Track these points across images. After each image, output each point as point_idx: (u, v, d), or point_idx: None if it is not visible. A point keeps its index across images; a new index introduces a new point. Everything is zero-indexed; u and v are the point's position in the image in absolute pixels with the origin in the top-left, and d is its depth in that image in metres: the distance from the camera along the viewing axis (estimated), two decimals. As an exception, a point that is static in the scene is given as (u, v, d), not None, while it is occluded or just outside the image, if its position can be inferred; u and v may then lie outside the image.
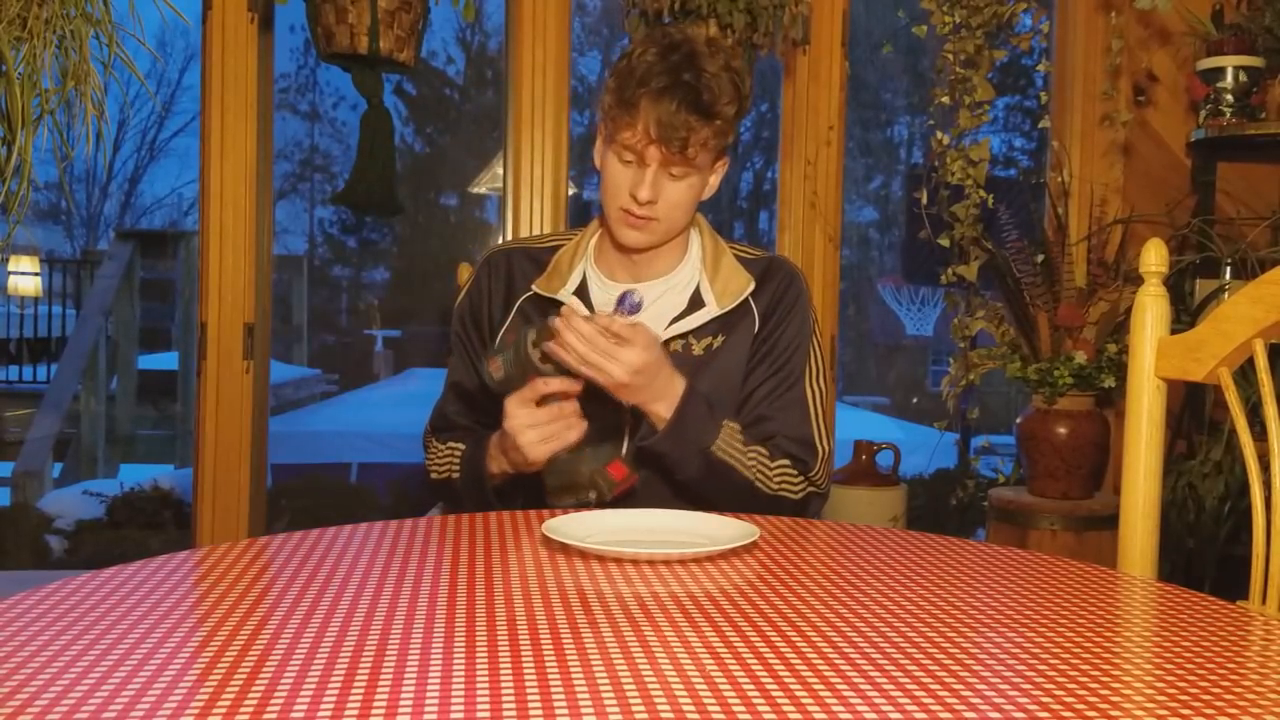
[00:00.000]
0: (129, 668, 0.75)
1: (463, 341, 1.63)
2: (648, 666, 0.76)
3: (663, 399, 1.42)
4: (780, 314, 1.56)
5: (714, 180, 1.55)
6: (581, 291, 1.55)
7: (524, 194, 2.53)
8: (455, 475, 1.55)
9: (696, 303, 1.54)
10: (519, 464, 1.41)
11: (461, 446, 1.55)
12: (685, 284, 1.56)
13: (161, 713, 0.67)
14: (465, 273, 1.96)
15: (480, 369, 1.44)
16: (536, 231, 2.53)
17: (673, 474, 1.46)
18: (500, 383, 1.38)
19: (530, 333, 1.36)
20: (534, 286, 1.56)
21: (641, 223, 1.49)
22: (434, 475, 1.61)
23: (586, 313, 1.42)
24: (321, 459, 6.29)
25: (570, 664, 0.76)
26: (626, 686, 0.72)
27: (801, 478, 1.53)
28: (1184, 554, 2.48)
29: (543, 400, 1.37)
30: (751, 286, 1.55)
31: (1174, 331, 1.31)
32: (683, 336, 1.52)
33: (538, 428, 1.36)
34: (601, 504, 1.42)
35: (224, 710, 0.67)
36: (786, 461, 1.52)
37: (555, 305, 1.53)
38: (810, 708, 0.69)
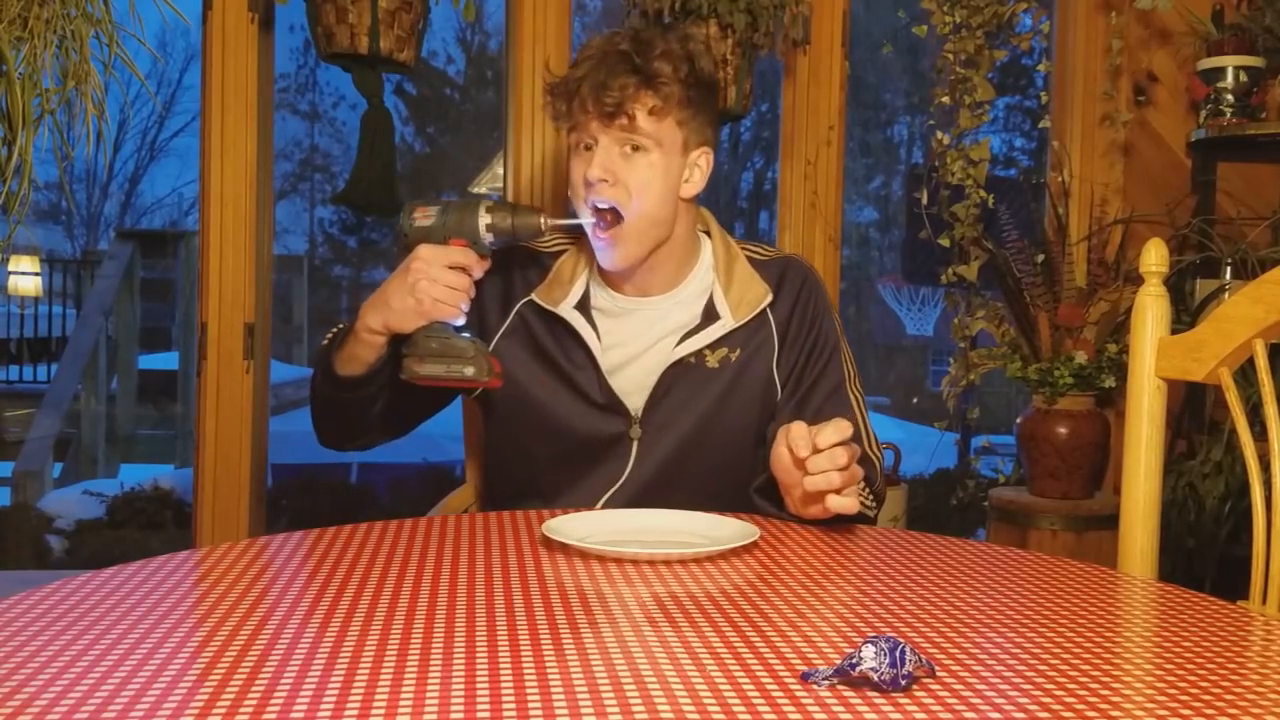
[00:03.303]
0: (129, 668, 0.75)
1: None
2: (648, 666, 0.76)
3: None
4: (804, 328, 1.49)
5: (695, 176, 1.45)
6: (583, 305, 1.48)
7: (524, 194, 2.53)
8: (321, 346, 1.48)
9: (711, 314, 1.47)
10: (401, 313, 1.33)
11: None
12: (697, 294, 1.49)
13: (161, 713, 0.67)
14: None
15: (404, 225, 1.34)
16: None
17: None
18: (416, 231, 1.33)
19: (485, 206, 1.33)
20: (534, 295, 1.49)
21: (605, 228, 1.40)
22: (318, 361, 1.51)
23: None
24: (321, 459, 6.30)
25: (570, 664, 0.76)
26: (626, 686, 0.72)
27: (870, 492, 1.47)
28: (1184, 554, 2.48)
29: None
30: (769, 298, 1.48)
31: (1174, 331, 1.31)
32: (696, 351, 1.46)
33: (445, 283, 1.31)
34: (465, 389, 1.34)
35: (224, 710, 0.67)
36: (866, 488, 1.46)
37: (555, 318, 1.48)
38: (810, 708, 0.69)
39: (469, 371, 1.33)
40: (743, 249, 1.54)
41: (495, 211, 1.34)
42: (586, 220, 1.40)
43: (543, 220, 1.36)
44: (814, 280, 1.54)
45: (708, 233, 1.55)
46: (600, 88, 1.37)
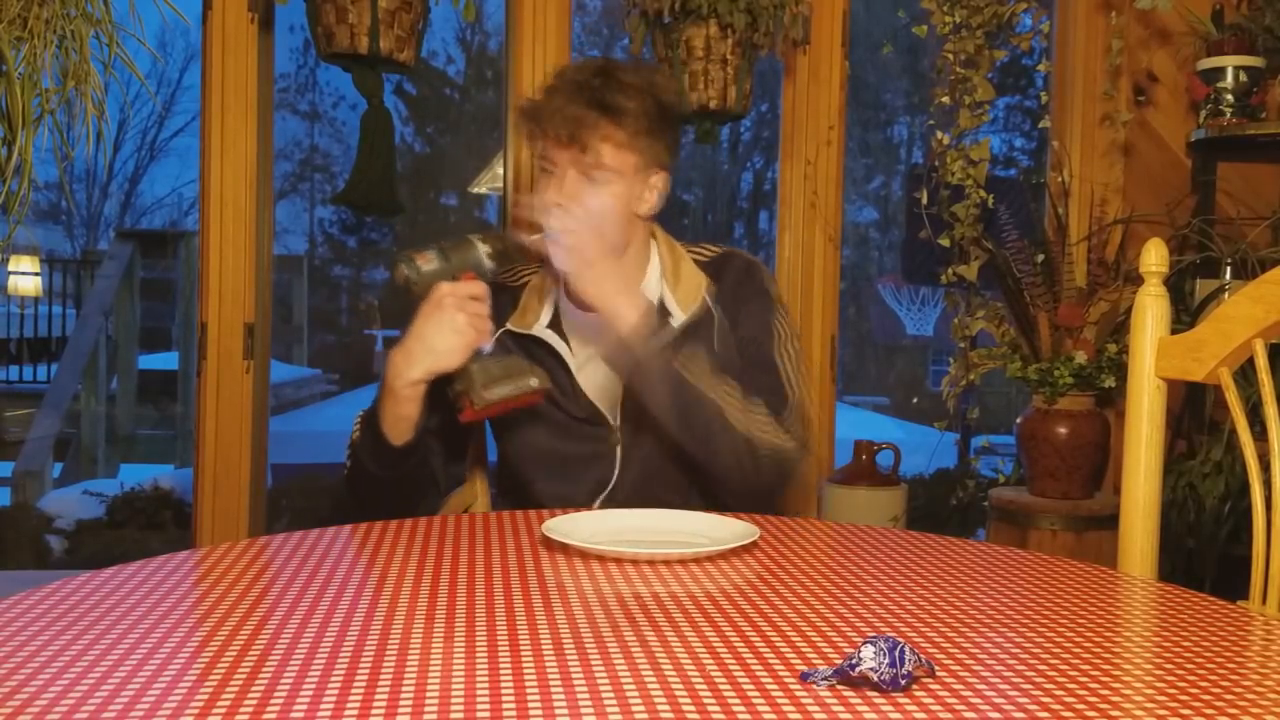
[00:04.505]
0: (129, 668, 0.75)
1: None
2: (648, 666, 0.76)
3: (625, 294, 1.42)
4: (739, 300, 1.55)
5: (650, 196, 1.52)
6: (555, 324, 1.55)
7: (524, 194, 2.53)
8: (356, 436, 1.49)
9: (664, 315, 1.52)
10: (449, 352, 1.34)
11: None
12: (652, 298, 1.54)
13: (161, 713, 0.67)
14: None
15: (410, 274, 1.36)
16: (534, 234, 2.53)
17: (646, 403, 1.44)
18: (425, 275, 1.36)
19: (479, 239, 1.40)
20: (509, 324, 1.55)
21: (562, 238, 1.45)
22: (348, 466, 1.52)
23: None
24: (321, 459, 6.30)
25: (570, 664, 0.76)
26: (626, 686, 0.72)
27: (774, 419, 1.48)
28: (1184, 554, 2.48)
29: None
30: (707, 285, 1.54)
31: (1174, 331, 1.31)
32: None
33: (476, 312, 1.36)
34: (526, 404, 1.38)
35: (224, 710, 0.67)
36: (761, 403, 1.47)
37: (532, 340, 1.53)
38: (810, 708, 0.69)
39: (534, 382, 1.38)
40: (688, 250, 1.60)
41: (489, 241, 1.41)
42: (549, 232, 1.46)
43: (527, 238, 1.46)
44: (750, 264, 1.59)
45: (655, 241, 1.60)
46: (565, 119, 1.43)
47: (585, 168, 1.45)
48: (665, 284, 1.55)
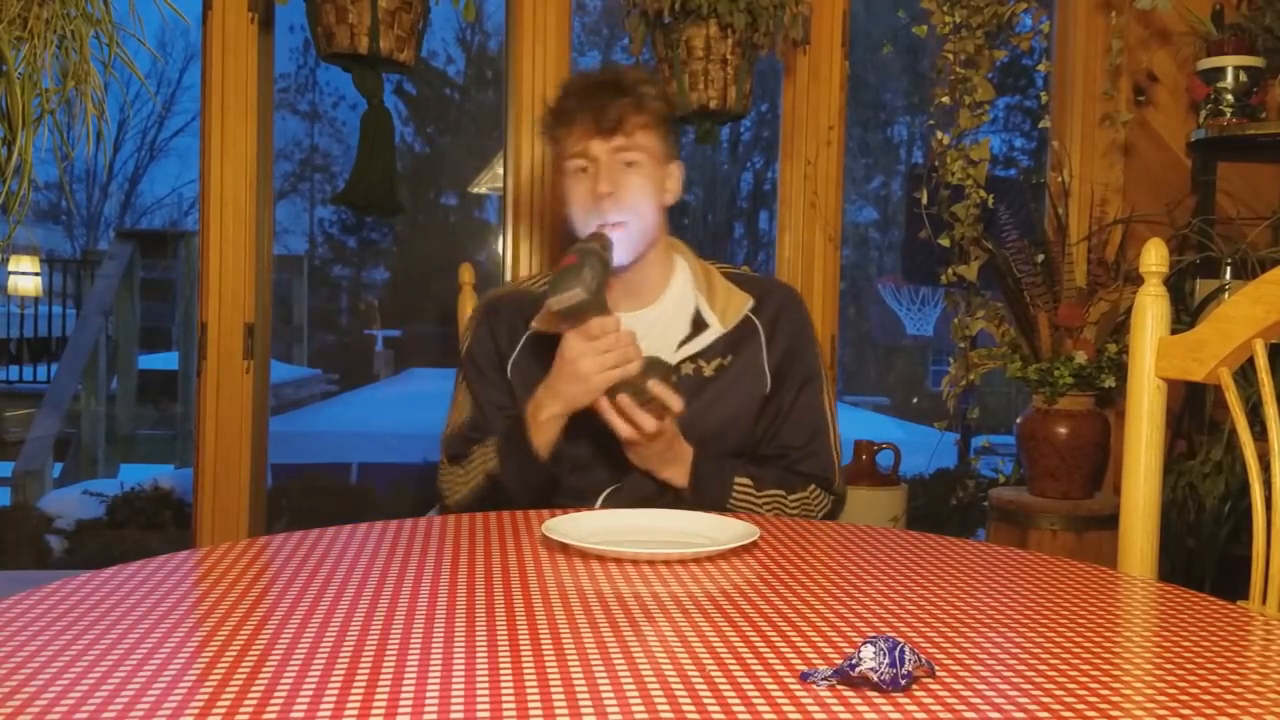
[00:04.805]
0: (129, 668, 0.75)
1: (481, 376, 1.60)
2: (648, 666, 0.76)
3: (673, 465, 1.47)
4: (788, 331, 1.59)
5: (671, 185, 1.58)
6: None
7: (524, 194, 2.53)
8: (493, 468, 1.51)
9: (700, 324, 1.56)
10: (572, 398, 1.40)
11: (490, 446, 1.52)
12: (682, 305, 1.58)
13: (161, 713, 0.67)
14: (467, 273, 1.96)
15: (585, 295, 1.39)
16: (532, 232, 2.53)
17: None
18: (594, 294, 1.37)
19: (597, 245, 1.41)
20: (534, 324, 1.55)
21: (614, 230, 1.50)
22: (467, 488, 1.55)
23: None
24: (321, 459, 6.30)
25: (570, 664, 0.76)
26: (626, 686, 0.72)
27: (823, 494, 1.58)
28: (1184, 554, 2.48)
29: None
30: (751, 303, 1.59)
31: (1174, 331, 1.31)
32: (693, 359, 1.54)
33: (595, 355, 1.38)
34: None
35: (224, 710, 0.67)
36: (805, 492, 1.56)
37: (558, 341, 1.53)
38: (810, 708, 0.69)
39: (674, 378, 1.42)
40: (718, 269, 1.65)
41: (603, 246, 1.43)
42: (597, 224, 1.50)
43: (600, 242, 1.46)
44: (795, 295, 1.66)
45: (679, 253, 1.64)
46: (598, 110, 1.49)
47: (623, 152, 1.50)
48: (699, 295, 1.58)
